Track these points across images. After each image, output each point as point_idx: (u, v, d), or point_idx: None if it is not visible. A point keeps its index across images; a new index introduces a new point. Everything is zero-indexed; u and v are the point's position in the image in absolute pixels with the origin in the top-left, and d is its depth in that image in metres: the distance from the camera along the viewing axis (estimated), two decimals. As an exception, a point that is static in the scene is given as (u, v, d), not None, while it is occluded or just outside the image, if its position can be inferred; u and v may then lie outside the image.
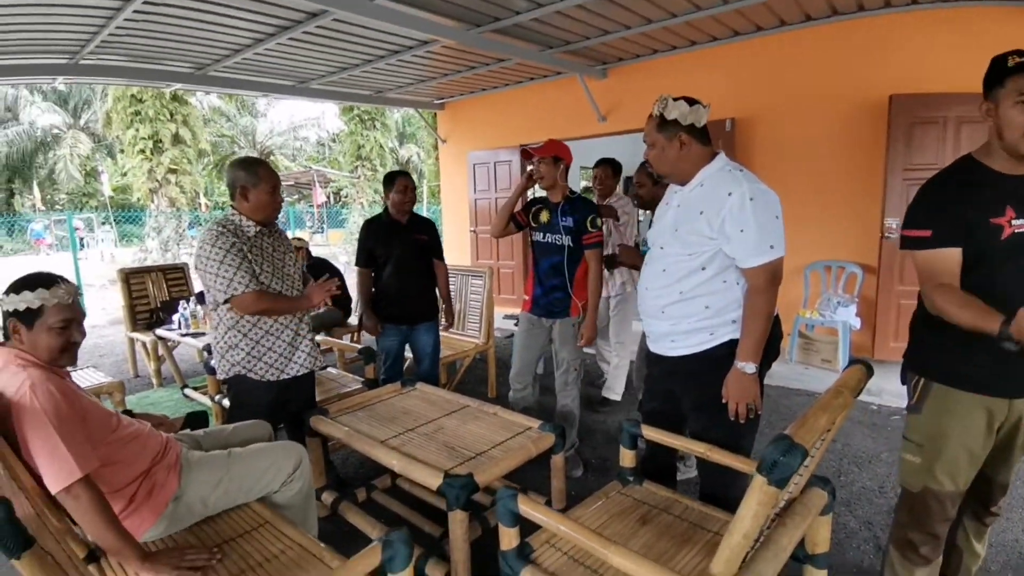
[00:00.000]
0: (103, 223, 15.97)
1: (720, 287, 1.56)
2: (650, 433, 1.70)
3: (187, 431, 1.84)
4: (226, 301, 1.94)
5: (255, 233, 2.02)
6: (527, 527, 1.32)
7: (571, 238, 2.43)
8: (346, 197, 17.15)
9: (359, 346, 2.87)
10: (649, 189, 2.47)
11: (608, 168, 3.38)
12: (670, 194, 1.71)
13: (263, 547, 1.45)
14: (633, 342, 3.52)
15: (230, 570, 1.36)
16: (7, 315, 1.33)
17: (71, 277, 7.46)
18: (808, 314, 4.01)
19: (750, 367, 1.49)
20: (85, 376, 2.86)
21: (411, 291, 2.86)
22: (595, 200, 3.42)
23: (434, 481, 1.61)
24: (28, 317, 1.33)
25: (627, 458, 1.78)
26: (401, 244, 2.83)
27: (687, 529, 1.53)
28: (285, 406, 2.13)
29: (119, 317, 4.13)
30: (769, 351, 1.56)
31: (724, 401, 1.54)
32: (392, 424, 2.09)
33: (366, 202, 15.73)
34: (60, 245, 16.12)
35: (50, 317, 1.35)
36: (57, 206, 18.05)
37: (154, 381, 4.02)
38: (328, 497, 2.16)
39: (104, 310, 7.18)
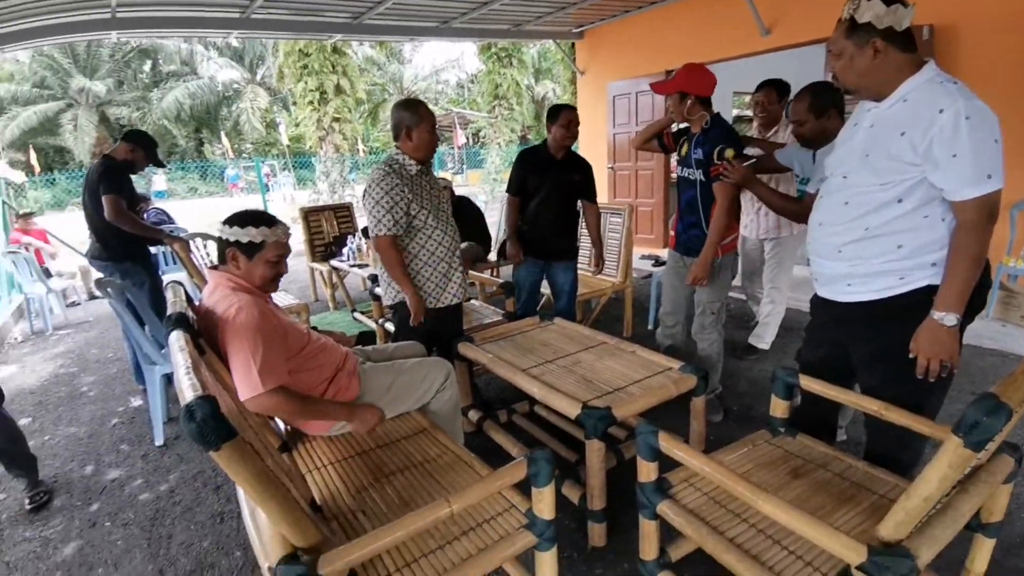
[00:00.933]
0: (283, 168, 18.34)
1: (921, 223, 1.32)
2: (811, 385, 1.57)
3: (359, 347, 2.14)
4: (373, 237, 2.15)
5: (416, 172, 2.17)
6: (664, 465, 1.33)
7: (702, 172, 2.24)
8: (484, 138, 17.53)
9: (500, 280, 2.99)
10: (812, 124, 2.09)
11: (772, 92, 2.94)
12: (859, 114, 1.46)
13: (422, 449, 1.65)
14: (791, 289, 3.20)
15: (395, 464, 1.58)
16: (228, 243, 1.57)
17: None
18: (1013, 262, 3.28)
19: (951, 318, 1.27)
20: (278, 299, 3.41)
21: (554, 228, 2.84)
22: (756, 133, 3.06)
23: (572, 410, 1.67)
24: (250, 249, 1.56)
25: (779, 408, 1.67)
26: (552, 179, 2.78)
27: (847, 488, 1.41)
28: (438, 332, 2.35)
29: (301, 250, 4.79)
30: (974, 301, 1.31)
31: (912, 356, 1.35)
32: (532, 355, 2.19)
33: (503, 142, 15.93)
34: (248, 188, 19.00)
35: (268, 252, 1.58)
36: (244, 154, 21.10)
37: (330, 305, 4.67)
38: (474, 415, 2.38)
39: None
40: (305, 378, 1.69)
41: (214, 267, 1.66)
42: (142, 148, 2.99)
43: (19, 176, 8.32)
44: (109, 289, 2.69)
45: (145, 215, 5.67)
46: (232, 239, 1.56)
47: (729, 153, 2.13)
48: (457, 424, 2.03)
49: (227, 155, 20.72)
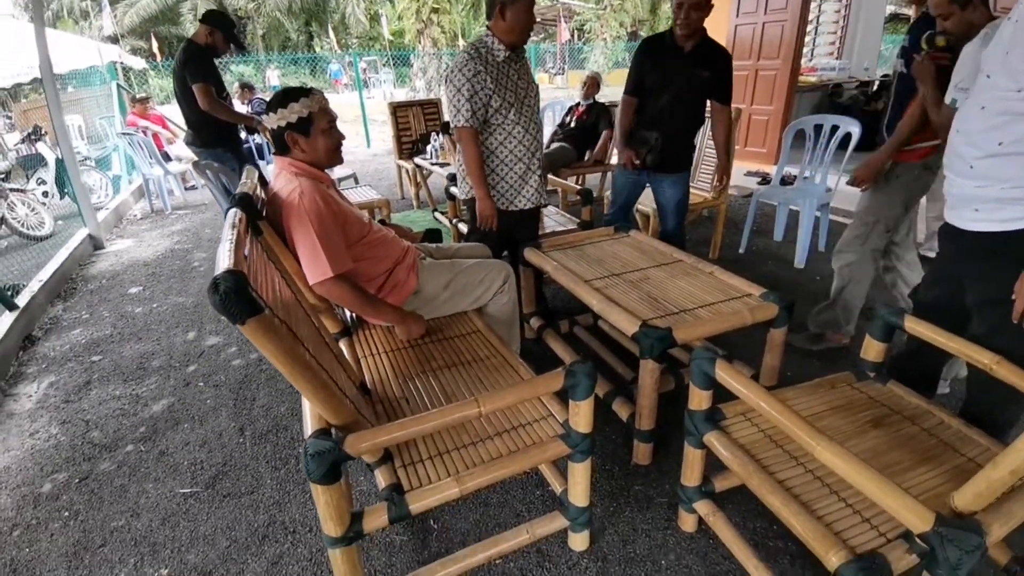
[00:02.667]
0: (384, 64, 18.30)
1: None
2: (917, 328, 1.33)
3: (424, 243, 2.14)
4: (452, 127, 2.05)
5: (504, 58, 2.02)
6: (723, 396, 1.22)
7: (903, 62, 1.90)
8: (589, 33, 16.11)
9: (579, 187, 2.81)
10: (957, 17, 1.60)
11: None
12: (1019, 7, 1.11)
13: (472, 349, 1.66)
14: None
15: (444, 359, 1.60)
16: (283, 129, 1.54)
17: (357, 113, 8.88)
18: None
19: None
20: (362, 192, 3.49)
21: (669, 133, 2.41)
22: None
23: (630, 327, 1.57)
24: (303, 126, 1.54)
25: (873, 349, 1.46)
26: (675, 76, 2.34)
27: (933, 446, 1.23)
28: (510, 236, 2.28)
29: (390, 147, 4.84)
30: None
31: (1012, 298, 1.12)
32: (599, 266, 2.07)
33: (609, 37, 14.57)
34: (352, 85, 19.27)
35: (320, 121, 1.55)
36: (349, 48, 21.17)
37: (414, 203, 4.75)
38: (535, 323, 2.35)
39: (383, 141, 8.52)
40: (364, 267, 1.71)
41: (277, 153, 1.66)
42: (220, 30, 3.00)
43: (139, 62, 8.81)
44: (207, 172, 2.89)
45: (249, 105, 5.95)
46: (283, 124, 1.53)
47: (940, 41, 1.72)
48: (514, 330, 2.01)
49: (333, 49, 20.95)
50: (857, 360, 1.51)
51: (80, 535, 1.55)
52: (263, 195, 1.67)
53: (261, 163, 4.59)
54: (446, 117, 4.73)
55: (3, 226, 4.34)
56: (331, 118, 1.59)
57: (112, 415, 2.10)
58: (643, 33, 20.83)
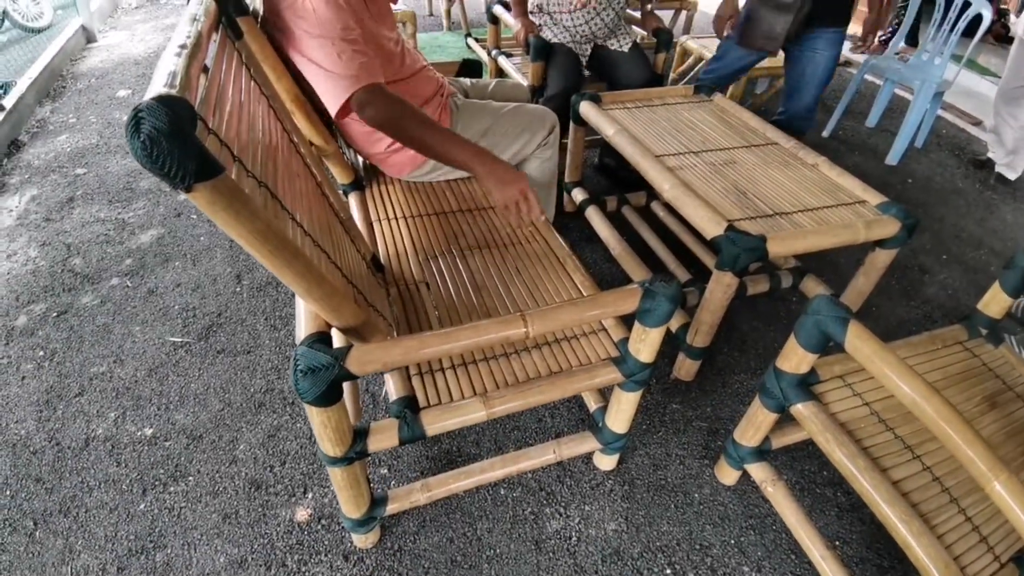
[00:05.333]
0: None
1: None
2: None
3: (459, 78, 1.70)
4: None
5: None
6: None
7: None
8: None
9: (658, 25, 2.23)
10: None
11: None
12: None
13: (511, 228, 1.35)
14: None
15: (476, 238, 1.31)
16: None
17: None
18: None
19: None
20: None
21: None
22: None
23: (713, 229, 1.24)
24: None
25: (996, 303, 1.16)
26: None
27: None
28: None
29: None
30: None
31: None
32: (673, 138, 1.66)
33: None
34: None
35: None
36: None
37: (444, 23, 4.01)
38: (579, 195, 2.00)
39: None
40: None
41: None
42: None
43: None
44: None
45: None
46: None
47: None
48: (551, 195, 1.68)
49: None
50: (972, 313, 1.21)
51: (55, 380, 1.41)
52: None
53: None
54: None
55: (6, 20, 3.76)
56: None
57: (96, 241, 1.87)
58: None
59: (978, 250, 2.15)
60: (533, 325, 0.83)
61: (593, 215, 1.93)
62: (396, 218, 1.35)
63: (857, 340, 0.81)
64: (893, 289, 1.91)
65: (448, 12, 3.95)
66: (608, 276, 1.86)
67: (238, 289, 1.70)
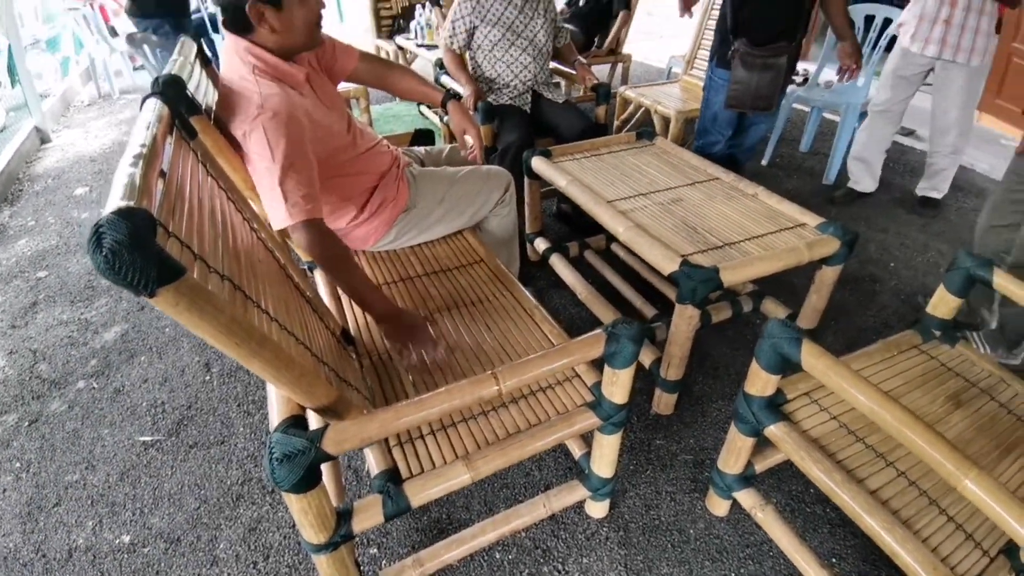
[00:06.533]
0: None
1: None
2: (1008, 286, 1.09)
3: (412, 148, 1.78)
4: None
5: None
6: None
7: None
8: None
9: (595, 81, 2.38)
10: None
11: None
12: None
13: (477, 285, 1.38)
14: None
15: (444, 299, 1.33)
16: (241, 2, 1.10)
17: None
18: None
19: None
20: (336, 78, 2.96)
21: (789, 6, 1.89)
22: None
23: (668, 265, 1.30)
24: None
25: (945, 305, 1.23)
26: None
27: (1012, 427, 1.05)
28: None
29: (367, 25, 4.15)
30: None
31: None
32: (622, 183, 1.75)
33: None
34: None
35: None
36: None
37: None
38: (541, 245, 2.07)
39: (359, 15, 7.50)
40: (346, 184, 1.38)
41: (230, 31, 1.22)
42: None
43: None
44: (144, 47, 2.37)
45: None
46: None
47: None
48: (513, 249, 1.74)
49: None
50: (924, 316, 1.28)
51: (34, 491, 1.35)
52: (206, 80, 1.28)
53: (216, 37, 3.90)
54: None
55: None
56: None
57: (60, 344, 1.83)
58: None
59: (925, 254, 2.28)
60: (505, 382, 0.85)
61: (557, 262, 1.99)
62: (363, 289, 1.37)
63: (811, 358, 0.85)
64: (849, 301, 2.00)
65: (399, 84, 4.12)
66: (578, 320, 1.90)
67: (207, 378, 1.67)
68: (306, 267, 1.48)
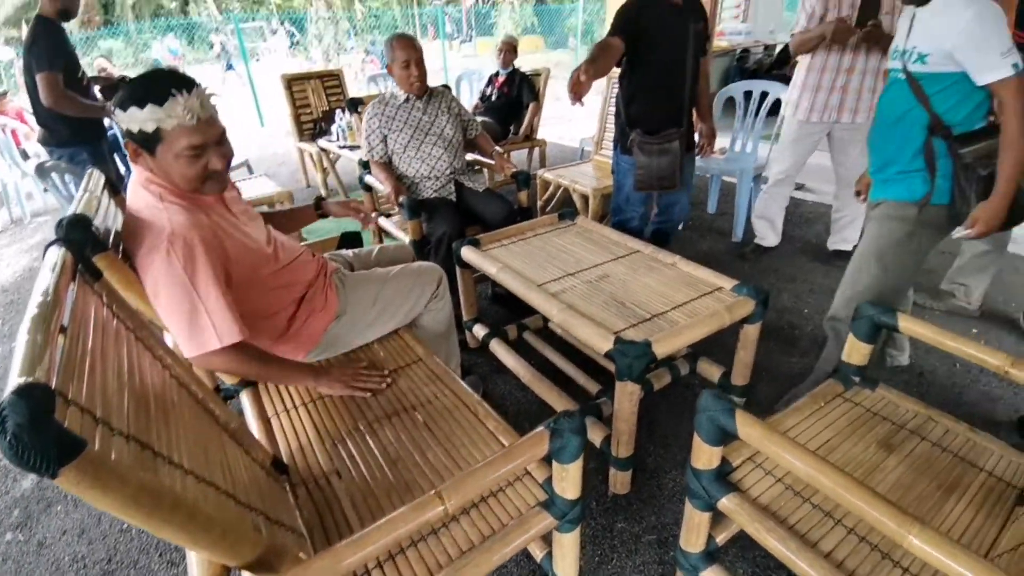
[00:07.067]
0: (274, 32, 16.49)
1: None
2: (914, 328, 1.19)
3: (340, 251, 1.77)
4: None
5: (403, 102, 2.30)
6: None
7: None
8: (495, -4, 15.53)
9: (514, 168, 2.51)
10: None
11: None
12: None
13: (417, 387, 1.35)
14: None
15: (382, 407, 1.29)
16: (124, 135, 1.08)
17: (245, 87, 7.88)
18: None
19: None
20: (258, 185, 2.97)
21: (681, 102, 2.11)
22: None
23: (603, 344, 1.33)
24: (145, 141, 1.06)
25: (858, 352, 1.32)
26: (678, 30, 2.00)
27: (950, 465, 1.11)
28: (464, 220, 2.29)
29: (289, 128, 4.23)
30: None
31: None
32: (550, 265, 1.81)
33: (517, 1, 14.12)
34: (236, 55, 17.25)
35: (173, 143, 1.05)
36: (231, 13, 18.83)
37: (322, 191, 4.20)
38: (479, 331, 2.07)
39: (280, 120, 7.65)
40: (270, 299, 1.34)
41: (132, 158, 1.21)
42: None
43: (8, 53, 7.69)
44: (52, 176, 2.28)
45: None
46: (123, 128, 1.06)
47: None
48: (452, 342, 1.73)
49: (212, 15, 18.72)
50: (841, 364, 1.37)
51: None
52: (114, 208, 1.24)
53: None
54: (352, 92, 4.21)
55: None
56: (198, 142, 1.07)
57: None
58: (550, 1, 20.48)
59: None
60: (450, 500, 0.81)
61: (497, 347, 1.99)
62: (296, 407, 1.30)
63: (746, 427, 0.88)
64: (774, 350, 2.11)
65: (324, 182, 4.17)
66: (524, 404, 1.88)
67: (125, 526, 1.49)
68: (231, 389, 1.40)
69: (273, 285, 1.34)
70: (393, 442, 1.17)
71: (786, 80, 2.71)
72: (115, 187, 1.36)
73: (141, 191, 1.13)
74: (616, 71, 2.15)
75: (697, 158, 2.39)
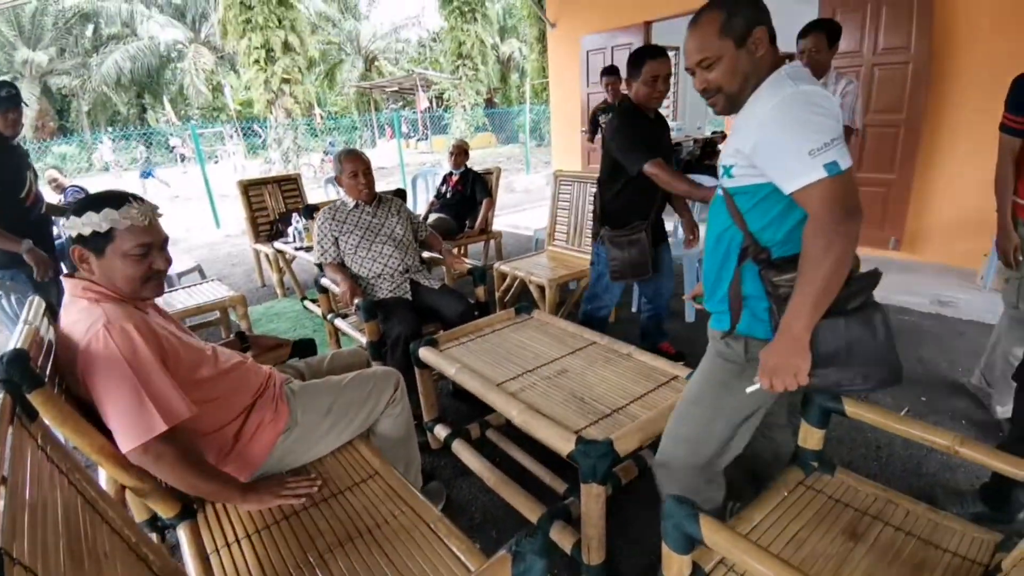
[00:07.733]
0: (231, 136, 17.03)
1: None
2: (860, 412, 1.24)
3: (292, 362, 1.73)
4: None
5: (352, 208, 2.43)
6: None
7: None
8: (448, 100, 16.68)
9: (470, 264, 2.57)
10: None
11: (822, 37, 2.46)
12: None
13: (372, 507, 1.27)
14: None
15: (337, 532, 1.20)
16: (72, 241, 1.16)
17: (200, 189, 7.98)
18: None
19: None
20: (209, 290, 2.91)
21: (645, 201, 2.24)
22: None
23: (564, 445, 1.32)
24: (96, 242, 1.15)
25: (812, 438, 1.34)
26: (662, 142, 2.23)
27: (916, 549, 1.11)
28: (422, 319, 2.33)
29: (244, 229, 4.25)
30: None
31: None
32: (508, 362, 1.82)
33: (468, 105, 15.19)
34: (196, 159, 17.62)
35: (124, 242, 1.16)
36: (192, 120, 19.50)
37: (278, 291, 4.16)
38: (441, 432, 2.01)
39: (236, 220, 7.69)
40: (213, 411, 1.28)
41: (68, 275, 1.22)
42: None
43: None
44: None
45: (63, 195, 4.96)
46: (75, 233, 1.15)
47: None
48: (411, 447, 1.66)
49: (170, 122, 19.26)
50: (800, 450, 1.39)
51: None
52: (53, 334, 1.19)
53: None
54: (311, 196, 4.32)
55: None
56: (145, 241, 1.18)
57: None
58: (497, 100, 22.17)
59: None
60: (407, 647, 0.75)
61: (460, 449, 1.92)
62: (239, 539, 1.20)
63: (711, 533, 0.86)
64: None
65: (280, 280, 4.14)
66: (490, 508, 1.80)
67: None
68: (168, 523, 1.28)
69: (214, 394, 1.28)
70: (347, 574, 1.09)
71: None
72: (55, 311, 1.31)
73: (76, 300, 1.16)
74: (593, 175, 2.40)
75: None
